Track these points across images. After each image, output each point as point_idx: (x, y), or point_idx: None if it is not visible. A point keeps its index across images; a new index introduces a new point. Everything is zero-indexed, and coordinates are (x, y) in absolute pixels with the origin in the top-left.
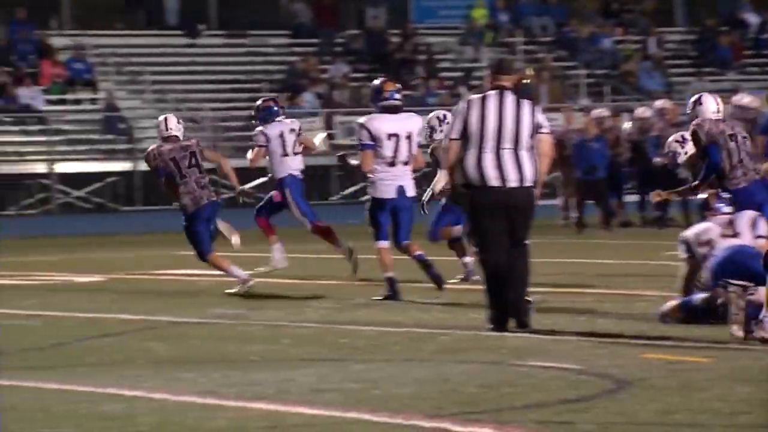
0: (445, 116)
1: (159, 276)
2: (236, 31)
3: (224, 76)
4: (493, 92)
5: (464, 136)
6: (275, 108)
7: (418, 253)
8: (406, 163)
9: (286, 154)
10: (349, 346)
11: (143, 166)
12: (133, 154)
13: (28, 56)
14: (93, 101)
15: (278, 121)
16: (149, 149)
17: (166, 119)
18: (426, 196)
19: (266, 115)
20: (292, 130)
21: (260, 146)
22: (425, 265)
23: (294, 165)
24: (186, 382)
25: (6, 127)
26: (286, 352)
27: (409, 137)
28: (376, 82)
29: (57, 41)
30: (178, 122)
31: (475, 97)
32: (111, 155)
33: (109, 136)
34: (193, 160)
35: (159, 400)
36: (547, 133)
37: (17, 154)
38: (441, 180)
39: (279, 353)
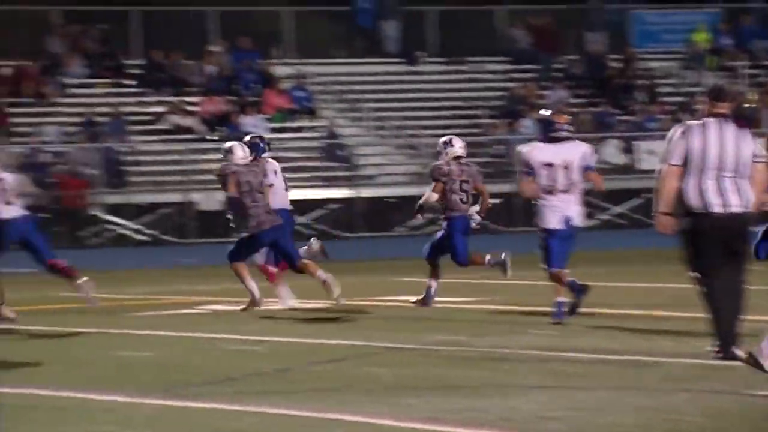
0: (451, 140)
1: (380, 302)
2: (456, 57)
3: (443, 103)
4: (712, 119)
5: (683, 162)
6: (261, 145)
7: (569, 279)
8: (566, 191)
9: (286, 189)
10: (571, 373)
11: (365, 193)
12: (354, 181)
13: (251, 85)
14: (314, 129)
15: (264, 158)
16: (223, 165)
17: (236, 147)
18: (418, 205)
19: (253, 152)
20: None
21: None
22: (576, 290)
23: (287, 200)
24: (408, 408)
25: None
26: (508, 378)
27: (567, 167)
28: (547, 113)
29: (279, 70)
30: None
31: (694, 123)
32: (332, 182)
33: (330, 164)
34: (257, 193)
35: (381, 426)
36: (763, 161)
37: None
38: (431, 196)
39: (501, 379)
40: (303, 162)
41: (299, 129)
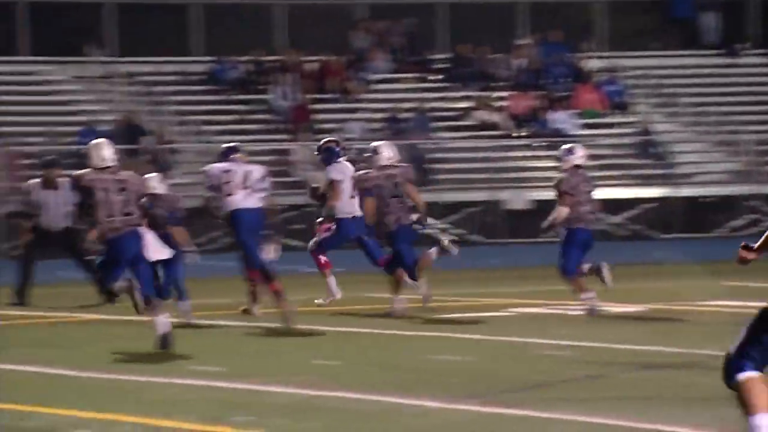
0: (572, 148)
1: (701, 307)
2: None
3: (765, 97)
4: None
5: None
6: (336, 149)
7: None
8: None
9: (352, 196)
10: None
11: (681, 192)
12: (669, 180)
13: (560, 79)
14: (627, 125)
15: (338, 162)
16: (371, 175)
17: (383, 147)
18: (547, 222)
19: (328, 157)
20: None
21: (336, 180)
22: None
23: (355, 207)
24: (732, 420)
25: (537, 152)
26: None
27: None
28: None
29: (591, 63)
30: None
31: None
32: (645, 181)
33: (644, 161)
34: (397, 192)
35: None
36: None
37: (550, 180)
38: (562, 212)
39: None
40: (615, 159)
41: (611, 125)
